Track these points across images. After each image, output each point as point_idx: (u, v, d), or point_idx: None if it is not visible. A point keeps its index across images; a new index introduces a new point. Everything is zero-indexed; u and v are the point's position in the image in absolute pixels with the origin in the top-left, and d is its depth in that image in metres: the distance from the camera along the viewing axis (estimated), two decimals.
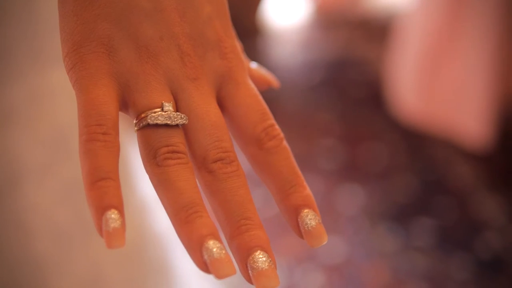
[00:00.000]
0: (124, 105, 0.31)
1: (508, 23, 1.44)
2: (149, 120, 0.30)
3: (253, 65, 0.37)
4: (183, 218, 0.29)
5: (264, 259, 0.29)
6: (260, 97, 0.33)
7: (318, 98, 1.91)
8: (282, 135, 0.33)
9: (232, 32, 0.34)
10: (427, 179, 1.60)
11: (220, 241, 0.29)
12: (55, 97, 0.53)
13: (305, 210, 0.31)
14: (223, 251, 0.28)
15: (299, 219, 0.31)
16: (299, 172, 0.32)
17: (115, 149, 0.29)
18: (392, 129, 1.76)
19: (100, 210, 0.27)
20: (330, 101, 1.90)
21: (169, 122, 0.30)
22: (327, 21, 2.28)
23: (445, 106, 1.58)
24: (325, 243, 0.31)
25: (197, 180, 0.30)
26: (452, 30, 1.50)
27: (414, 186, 1.58)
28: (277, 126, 0.33)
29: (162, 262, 0.60)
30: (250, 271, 0.29)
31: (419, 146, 1.70)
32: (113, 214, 0.27)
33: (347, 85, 1.96)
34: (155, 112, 0.30)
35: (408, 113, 1.66)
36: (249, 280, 0.29)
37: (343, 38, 2.19)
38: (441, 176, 1.61)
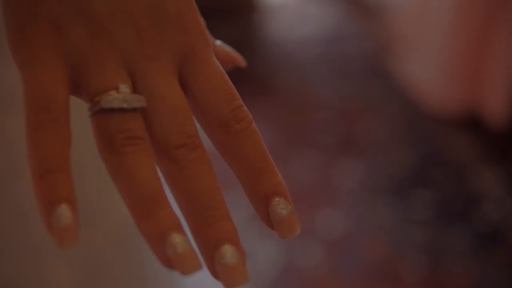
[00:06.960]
0: (76, 88, 0.28)
1: None
2: (103, 104, 0.27)
3: (217, 42, 0.35)
4: (144, 210, 0.26)
5: (232, 253, 0.27)
6: (226, 76, 0.30)
7: (315, 73, 1.90)
8: (250, 117, 0.30)
9: (195, 6, 0.30)
10: (425, 152, 1.59)
11: (184, 234, 0.26)
12: None
13: (276, 199, 0.29)
14: (188, 245, 0.26)
15: (269, 209, 0.29)
16: (270, 157, 0.29)
17: (65, 137, 0.26)
18: (389, 102, 1.74)
19: (49, 205, 0.25)
20: (327, 75, 1.88)
21: (125, 105, 0.27)
22: None
23: (473, 89, 1.59)
24: (297, 234, 0.28)
25: (157, 168, 0.28)
26: (486, 26, 1.52)
27: (412, 159, 1.56)
28: (245, 108, 0.30)
29: None
30: (217, 267, 0.27)
31: (416, 119, 1.68)
32: (64, 210, 0.25)
33: (343, 60, 1.94)
34: (109, 95, 0.27)
35: (436, 102, 1.67)
36: (216, 276, 0.27)
37: (339, 12, 2.16)
38: (438, 148, 1.60)
